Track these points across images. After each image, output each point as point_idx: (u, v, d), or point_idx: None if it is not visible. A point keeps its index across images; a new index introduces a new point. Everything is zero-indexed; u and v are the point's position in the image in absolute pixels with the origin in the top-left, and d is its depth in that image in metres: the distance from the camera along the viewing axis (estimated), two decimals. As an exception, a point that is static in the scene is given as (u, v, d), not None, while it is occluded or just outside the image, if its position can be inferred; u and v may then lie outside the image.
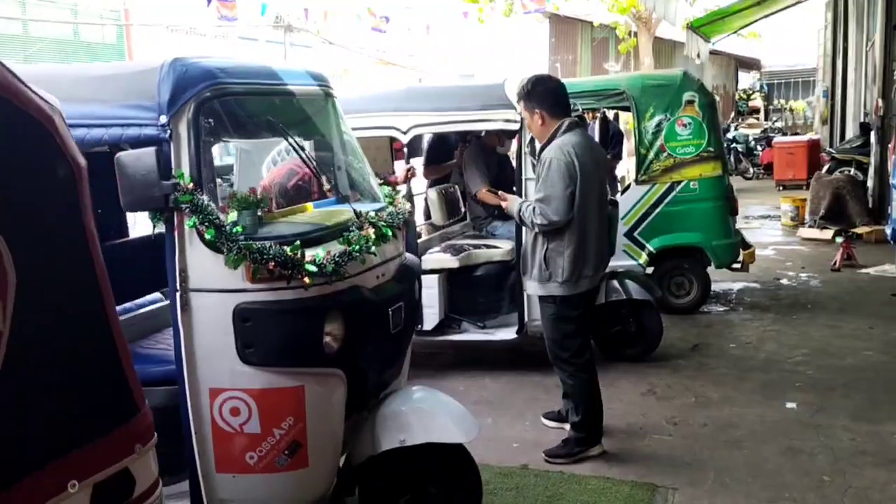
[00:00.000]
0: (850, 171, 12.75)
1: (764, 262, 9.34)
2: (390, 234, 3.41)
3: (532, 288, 4.37)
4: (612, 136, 8.38)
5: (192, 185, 2.80)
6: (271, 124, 3.31)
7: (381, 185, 3.95)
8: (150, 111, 2.85)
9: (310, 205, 3.61)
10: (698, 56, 17.67)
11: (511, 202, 4.40)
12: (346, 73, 31.93)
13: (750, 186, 17.81)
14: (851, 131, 15.12)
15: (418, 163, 7.12)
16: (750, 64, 30.34)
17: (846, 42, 15.84)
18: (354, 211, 3.29)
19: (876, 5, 12.03)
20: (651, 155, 7.11)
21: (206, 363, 2.91)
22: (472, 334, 5.75)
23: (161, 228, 2.96)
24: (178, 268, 2.85)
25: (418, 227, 6.58)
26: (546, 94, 4.22)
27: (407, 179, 5.59)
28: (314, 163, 3.58)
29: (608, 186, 8.60)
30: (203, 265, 2.85)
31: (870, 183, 11.46)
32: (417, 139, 6.37)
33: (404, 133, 5.56)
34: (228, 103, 3.03)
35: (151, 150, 2.75)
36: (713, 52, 21.92)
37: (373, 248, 3.17)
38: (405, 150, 5.77)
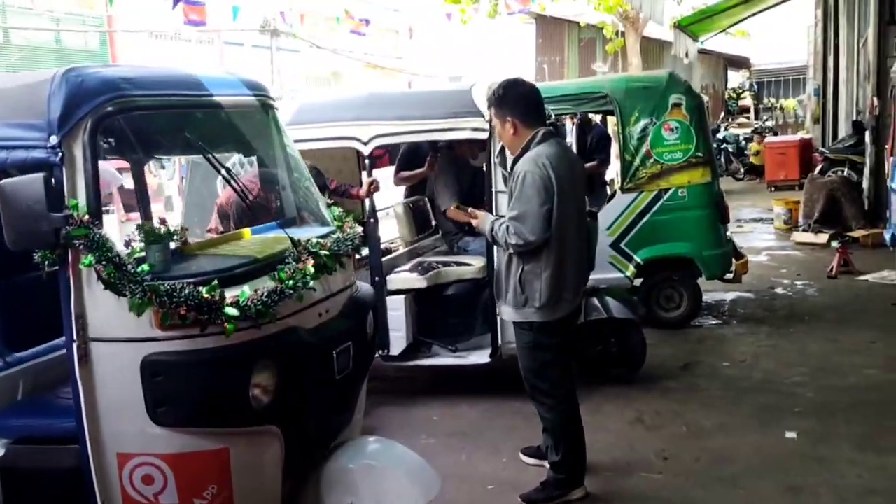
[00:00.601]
0: (843, 172, 12.39)
1: (757, 269, 8.94)
2: (335, 264, 3.00)
3: (507, 313, 3.95)
4: (598, 140, 7.98)
5: (87, 216, 2.37)
6: (189, 141, 2.88)
7: (332, 204, 3.53)
8: (38, 130, 2.43)
9: (247, 231, 3.19)
10: (686, 55, 17.33)
11: (482, 220, 3.99)
12: (335, 78, 31.57)
13: (741, 187, 17.47)
14: (844, 130, 14.77)
15: (389, 173, 6.72)
16: (739, 63, 30.03)
17: (837, 39, 15.49)
18: (291, 239, 2.87)
19: (868, 2, 11.68)
20: (637, 161, 6.71)
21: (112, 424, 2.49)
22: (443, 358, 5.34)
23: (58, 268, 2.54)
24: (74, 313, 2.43)
25: (391, 242, 6.16)
26: (518, 101, 3.81)
27: (370, 193, 5.19)
28: (239, 183, 3.14)
29: (596, 194, 8.34)
30: (104, 310, 2.44)
31: (865, 184, 11.10)
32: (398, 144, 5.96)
33: (365, 144, 5.14)
34: (135, 119, 2.62)
35: (39, 176, 2.34)
36: (701, 52, 21.58)
37: (311, 283, 2.75)
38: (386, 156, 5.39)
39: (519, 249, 3.76)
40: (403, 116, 5.11)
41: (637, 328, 5.48)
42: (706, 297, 7.66)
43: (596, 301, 5.35)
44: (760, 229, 12.03)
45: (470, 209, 4.03)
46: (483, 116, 4.98)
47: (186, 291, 2.40)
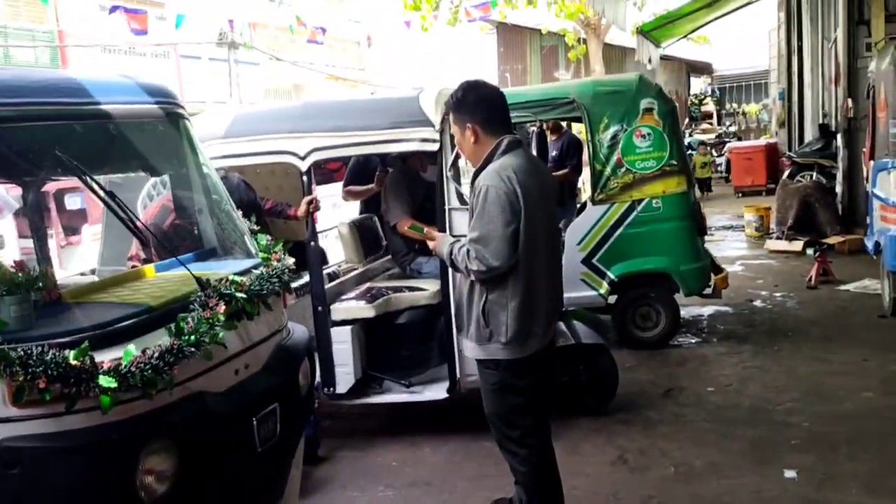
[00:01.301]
0: (813, 176, 12.11)
1: (733, 280, 8.47)
2: (257, 307, 2.44)
3: (470, 350, 3.41)
4: (569, 146, 7.53)
5: None
6: (60, 160, 2.31)
7: (258, 231, 2.97)
8: None
9: (150, 268, 2.62)
10: (650, 61, 17.01)
11: (440, 242, 3.45)
12: (297, 90, 30.91)
13: (708, 194, 17.16)
14: (811, 133, 14.53)
15: (331, 190, 6.19)
16: (701, 68, 29.95)
17: (801, 41, 15.28)
18: (198, 280, 2.31)
19: (835, 2, 11.41)
20: (608, 170, 6.24)
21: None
22: (395, 394, 4.79)
23: None
24: None
25: (339, 266, 5.60)
26: (480, 105, 3.29)
27: (309, 213, 4.64)
28: (129, 212, 2.58)
29: (566, 205, 7.87)
30: (-62, 385, 1.86)
31: (838, 189, 10.78)
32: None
33: (302, 158, 4.60)
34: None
35: None
36: (664, 58, 21.36)
37: (222, 335, 2.20)
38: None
39: (481, 276, 3.24)
40: (343, 127, 4.58)
41: (607, 353, 4.98)
42: (683, 312, 7.21)
43: (562, 325, 4.84)
44: (732, 237, 11.68)
45: (427, 229, 3.49)
46: (433, 126, 4.48)
47: (47, 357, 1.83)
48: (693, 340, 6.59)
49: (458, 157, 4.54)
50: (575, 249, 6.31)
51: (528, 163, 3.29)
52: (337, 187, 6.70)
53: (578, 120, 6.56)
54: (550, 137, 7.79)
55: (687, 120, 24.66)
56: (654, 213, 6.20)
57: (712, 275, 6.51)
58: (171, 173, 2.83)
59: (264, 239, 2.90)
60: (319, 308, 4.70)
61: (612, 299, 6.40)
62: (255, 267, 2.62)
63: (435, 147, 4.50)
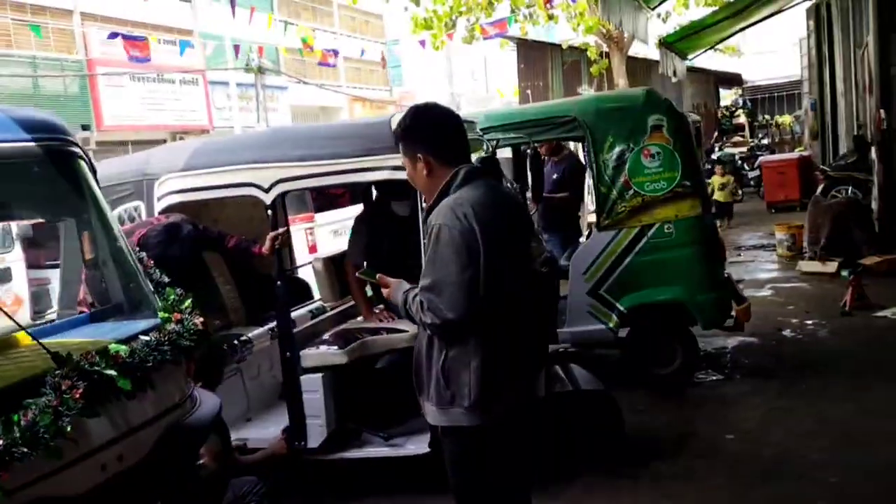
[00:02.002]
0: (848, 191, 11.45)
1: (762, 307, 7.94)
2: (141, 382, 2.01)
3: (430, 414, 2.94)
4: (571, 171, 7.05)
5: None
6: None
7: (166, 285, 2.55)
8: None
9: (23, 334, 2.21)
10: (674, 74, 16.47)
11: (394, 289, 2.98)
12: (324, 112, 30.82)
13: (740, 210, 16.47)
14: (845, 145, 13.84)
15: (333, 216, 5.76)
16: (730, 80, 29.19)
17: (832, 49, 14.62)
18: (53, 355, 1.88)
19: (865, 7, 10.80)
20: (614, 194, 5.75)
21: None
22: (373, 448, 4.32)
23: None
24: None
25: (319, 304, 5.17)
26: (430, 131, 2.85)
27: (274, 250, 4.22)
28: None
29: (567, 233, 7.39)
30: None
31: (874, 205, 10.11)
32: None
33: (266, 191, 4.20)
34: None
35: None
36: (691, 70, 20.77)
37: (69, 428, 1.77)
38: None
39: (437, 331, 2.78)
40: (310, 156, 4.16)
41: (610, 401, 4.48)
42: (705, 345, 6.68)
43: (559, 370, 4.36)
44: (762, 258, 11.03)
45: (379, 275, 3.04)
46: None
47: None
48: (714, 377, 6.03)
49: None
50: (581, 279, 5.83)
51: (491, 195, 2.83)
52: (338, 214, 6.33)
53: (581, 139, 6.08)
54: (551, 160, 7.31)
55: (716, 133, 23.96)
56: (666, 238, 5.69)
57: (734, 305, 5.97)
58: (62, 219, 2.43)
59: (173, 294, 2.48)
60: (287, 354, 4.28)
61: (623, 333, 5.91)
62: (151, 330, 2.19)
63: (405, 176, 4.06)
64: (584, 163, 7.36)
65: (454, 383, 2.78)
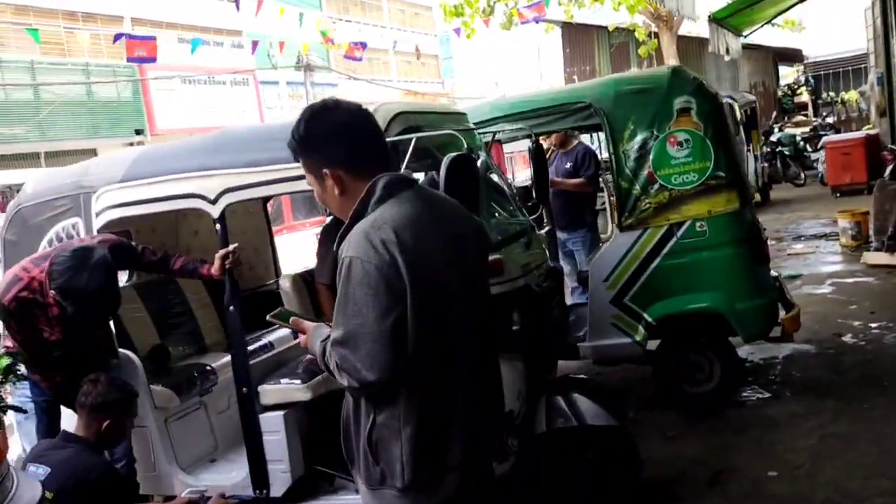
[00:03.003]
0: (920, 172, 10.37)
1: (820, 306, 7.11)
2: None
3: (362, 493, 2.31)
4: (583, 157, 6.37)
5: None
6: None
7: None
8: None
9: None
10: (727, 52, 15.45)
11: (311, 335, 2.33)
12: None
13: (801, 195, 15.42)
14: (916, 122, 12.68)
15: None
16: (790, 56, 27.64)
17: (900, 17, 13.42)
18: None
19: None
20: (637, 189, 5.02)
21: None
22: (348, 495, 3.71)
23: None
24: None
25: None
26: (334, 139, 2.20)
27: (224, 270, 3.65)
28: None
29: (585, 229, 6.66)
30: None
31: (950, 187, 9.05)
32: None
33: (213, 203, 3.64)
34: None
35: None
36: (747, 47, 19.61)
37: None
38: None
39: (357, 395, 2.17)
40: (261, 161, 3.57)
41: (622, 437, 3.77)
42: (751, 355, 5.90)
43: (561, 402, 3.69)
44: (824, 248, 10.06)
45: (293, 318, 2.42)
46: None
47: None
48: (760, 395, 5.25)
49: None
50: (602, 287, 5.13)
51: (423, 211, 2.17)
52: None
53: (598, 129, 5.36)
54: (559, 152, 6.60)
55: (775, 113, 22.64)
56: (698, 238, 4.95)
57: (782, 312, 5.18)
58: None
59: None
60: (244, 390, 3.71)
61: (652, 345, 5.19)
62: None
63: (368, 181, 3.46)
64: (596, 151, 6.67)
65: (384, 457, 2.15)
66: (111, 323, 3.90)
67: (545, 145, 7.24)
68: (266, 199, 5.00)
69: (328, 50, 24.06)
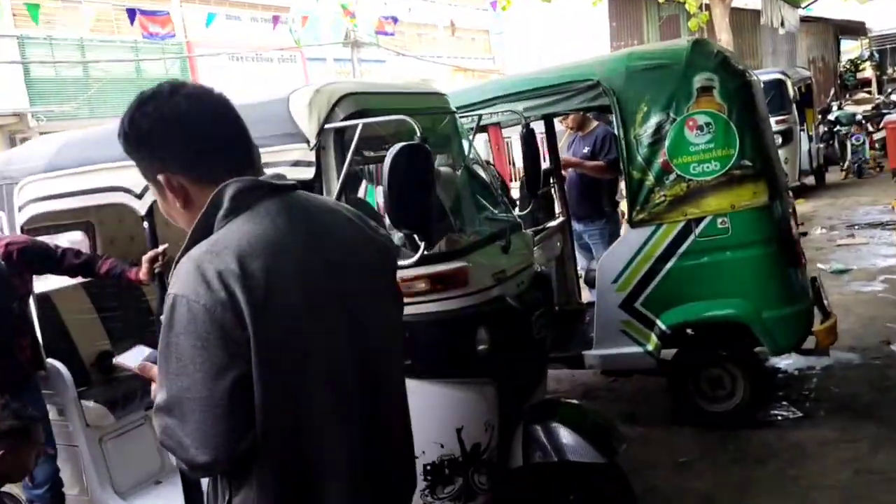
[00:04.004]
0: None
1: (868, 307, 6.39)
2: None
3: None
4: (604, 140, 5.76)
5: None
6: None
7: None
8: None
9: None
10: (782, 24, 14.51)
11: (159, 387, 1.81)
12: (424, 85, 29.85)
13: (857, 180, 14.41)
14: None
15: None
16: (854, 29, 26.09)
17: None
18: None
19: None
20: (650, 179, 4.42)
21: None
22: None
23: None
24: None
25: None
26: (165, 135, 1.65)
27: (153, 275, 3.19)
28: None
29: (604, 220, 6.05)
30: None
31: None
32: None
33: (139, 197, 3.18)
34: None
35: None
36: (805, 19, 18.49)
37: None
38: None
39: (192, 476, 1.67)
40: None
41: (613, 475, 3.21)
42: (786, 365, 5.27)
43: (540, 433, 3.15)
44: (879, 239, 9.23)
45: (140, 364, 1.92)
46: (308, 142, 2.93)
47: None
48: (789, 414, 4.62)
49: (344, 185, 2.96)
50: (610, 290, 4.56)
51: (288, 228, 1.61)
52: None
53: (607, 110, 4.74)
54: (577, 134, 5.99)
55: (834, 91, 21.39)
56: (719, 236, 4.33)
57: (818, 322, 4.52)
58: None
59: None
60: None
61: (666, 354, 4.61)
62: None
63: (310, 174, 2.95)
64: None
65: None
66: (37, 330, 3.49)
67: (561, 127, 6.65)
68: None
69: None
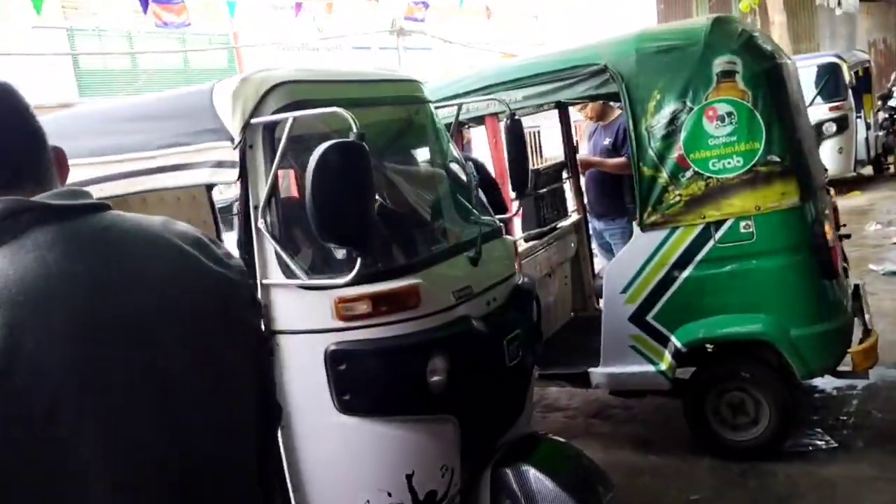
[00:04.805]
0: None
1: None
2: None
3: None
4: (625, 131, 5.22)
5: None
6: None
7: None
8: None
9: None
10: (839, 4, 13.62)
11: None
12: (472, 72, 29.34)
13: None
14: None
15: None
16: (922, 9, 24.74)
17: None
18: None
19: None
20: (663, 177, 3.90)
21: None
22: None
23: None
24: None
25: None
26: None
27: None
28: None
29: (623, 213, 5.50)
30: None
31: None
32: None
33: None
34: None
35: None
36: (866, -1, 17.43)
37: None
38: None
39: None
40: (102, 150, 2.70)
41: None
42: (822, 384, 4.70)
43: (510, 478, 2.70)
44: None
45: None
46: (231, 139, 2.50)
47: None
48: (822, 444, 4.05)
49: (273, 190, 2.53)
50: (619, 301, 4.06)
51: (61, 267, 1.14)
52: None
53: (616, 98, 4.21)
54: (599, 125, 5.45)
55: (894, 75, 20.18)
56: (742, 242, 3.79)
57: (857, 342, 3.95)
58: None
59: None
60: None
61: (682, 373, 4.09)
62: None
63: (232, 177, 2.53)
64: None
65: None
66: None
67: (581, 116, 6.11)
68: (210, 186, 4.15)
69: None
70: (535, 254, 4.68)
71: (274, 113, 2.53)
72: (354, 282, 2.39)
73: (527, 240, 4.72)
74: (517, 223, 4.88)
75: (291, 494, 2.59)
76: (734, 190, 3.77)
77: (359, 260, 2.36)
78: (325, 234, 2.30)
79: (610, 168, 5.32)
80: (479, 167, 3.61)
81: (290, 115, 2.45)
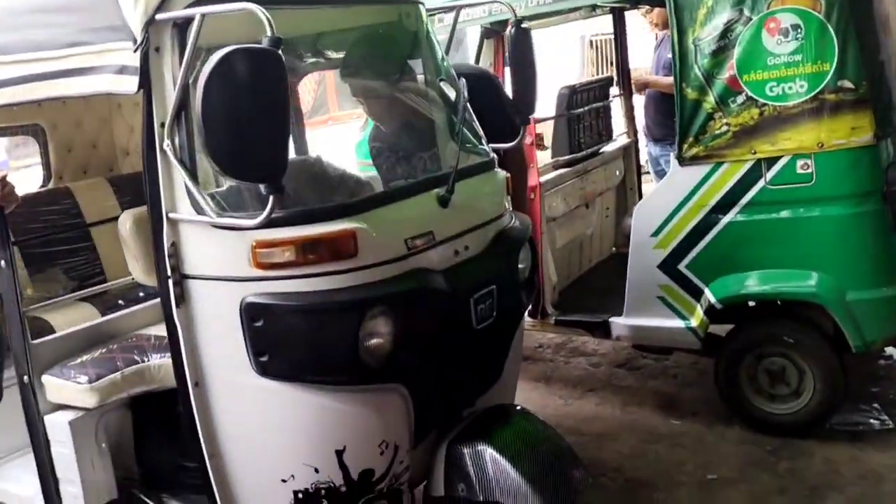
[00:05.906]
0: None
1: None
2: None
3: None
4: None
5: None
6: None
7: None
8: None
9: None
10: None
11: None
12: None
13: None
14: None
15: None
16: None
17: None
18: None
19: None
20: (709, 101, 3.28)
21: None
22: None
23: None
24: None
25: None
26: None
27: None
28: None
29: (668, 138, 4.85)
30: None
31: None
32: None
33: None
34: None
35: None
36: None
37: None
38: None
39: None
40: (9, 47, 2.32)
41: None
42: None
43: (466, 458, 2.29)
44: None
45: None
46: (133, 40, 2.06)
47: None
48: (876, 423, 3.47)
49: (182, 105, 2.08)
50: (647, 244, 3.52)
51: None
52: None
53: (660, 3, 3.54)
54: (666, 34, 4.70)
55: None
56: (799, 185, 3.18)
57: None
58: None
59: None
60: (24, 378, 2.59)
61: (714, 330, 3.56)
62: None
63: (132, 87, 2.08)
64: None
65: None
66: None
67: (646, 20, 5.36)
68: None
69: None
70: (564, 184, 4.13)
71: (187, 7, 2.05)
72: (265, 224, 1.94)
73: (555, 167, 4.17)
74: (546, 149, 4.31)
75: (207, 461, 2.24)
76: (794, 121, 3.13)
77: (271, 198, 1.90)
78: (223, 167, 1.85)
79: (665, 87, 4.63)
80: (492, 84, 3.04)
81: (196, 11, 1.97)
